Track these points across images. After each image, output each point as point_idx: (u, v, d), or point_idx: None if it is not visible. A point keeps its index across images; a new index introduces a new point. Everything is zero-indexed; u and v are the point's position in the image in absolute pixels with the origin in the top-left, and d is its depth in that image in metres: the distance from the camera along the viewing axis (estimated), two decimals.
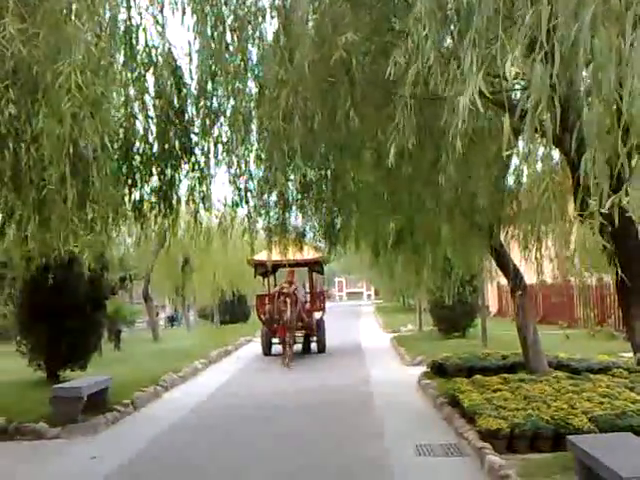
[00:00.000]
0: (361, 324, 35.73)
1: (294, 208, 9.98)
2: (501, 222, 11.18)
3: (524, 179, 9.14)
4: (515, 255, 12.11)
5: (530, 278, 12.37)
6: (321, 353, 21.01)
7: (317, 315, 22.23)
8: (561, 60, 4.07)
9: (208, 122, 7.10)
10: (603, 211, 3.94)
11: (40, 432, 10.06)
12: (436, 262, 12.13)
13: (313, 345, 21.64)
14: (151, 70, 7.03)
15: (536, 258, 9.67)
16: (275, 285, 22.21)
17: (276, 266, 19.45)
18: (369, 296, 76.74)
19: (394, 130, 5.27)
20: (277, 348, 20.29)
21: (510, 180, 10.97)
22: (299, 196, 9.28)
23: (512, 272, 12.11)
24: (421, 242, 10.98)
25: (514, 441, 8.05)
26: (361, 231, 10.83)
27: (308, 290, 23.37)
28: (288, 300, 18.54)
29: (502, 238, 12.00)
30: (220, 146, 7.28)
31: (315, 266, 22.31)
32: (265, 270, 20.45)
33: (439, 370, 13.90)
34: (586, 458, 5.60)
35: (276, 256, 12.38)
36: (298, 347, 20.83)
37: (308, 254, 15.91)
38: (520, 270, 11.99)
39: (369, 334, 28.68)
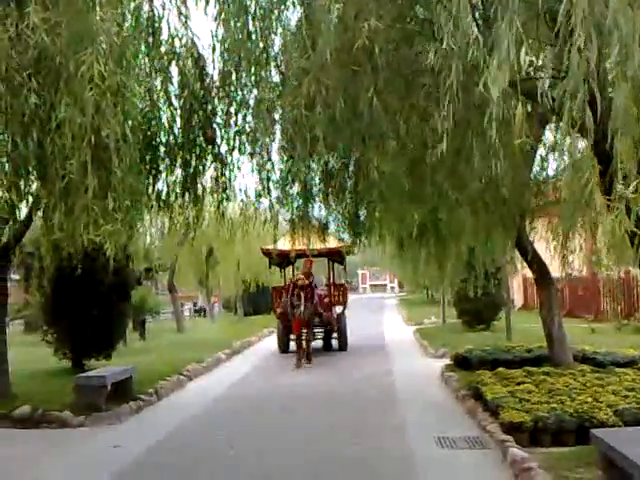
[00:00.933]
0: (384, 316, 35.69)
1: (317, 199, 9.95)
2: (526, 214, 11.06)
3: (550, 170, 9.08)
4: (541, 248, 12.00)
5: (556, 271, 12.26)
6: (342, 351, 19.45)
7: (338, 309, 20.71)
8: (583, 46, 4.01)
9: (231, 112, 7.09)
10: (631, 195, 3.87)
11: (65, 420, 10.15)
12: (460, 254, 12.05)
13: (334, 342, 20.11)
14: (174, 60, 7.04)
15: (562, 250, 9.55)
16: (293, 277, 19.87)
17: (294, 256, 17.29)
18: (392, 288, 76.59)
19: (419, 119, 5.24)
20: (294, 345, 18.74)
21: (535, 171, 10.90)
22: (322, 186, 9.24)
23: (537, 265, 11.98)
24: (445, 234, 10.90)
25: (537, 434, 7.96)
26: (385, 222, 10.76)
27: (327, 282, 22.26)
28: (302, 294, 16.86)
29: (527, 230, 11.91)
30: (243, 136, 7.28)
31: (336, 256, 20.37)
32: (281, 260, 19.16)
33: (462, 363, 13.82)
34: (610, 451, 5.52)
35: (293, 245, 11.75)
36: (318, 343, 19.46)
37: (328, 243, 14.66)
38: (545, 263, 11.86)
39: (392, 326, 28.63)
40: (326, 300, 19.83)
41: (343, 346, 19.61)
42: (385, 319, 33.66)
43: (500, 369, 11.44)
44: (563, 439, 7.84)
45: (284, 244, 13.38)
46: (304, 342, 16.93)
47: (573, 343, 13.46)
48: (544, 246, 11.61)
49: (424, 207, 9.42)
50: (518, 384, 9.95)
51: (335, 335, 19.86)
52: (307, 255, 15.06)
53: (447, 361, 15.06)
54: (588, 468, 6.45)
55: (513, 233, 11.14)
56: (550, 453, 7.38)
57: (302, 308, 16.64)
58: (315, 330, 18.50)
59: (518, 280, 29.66)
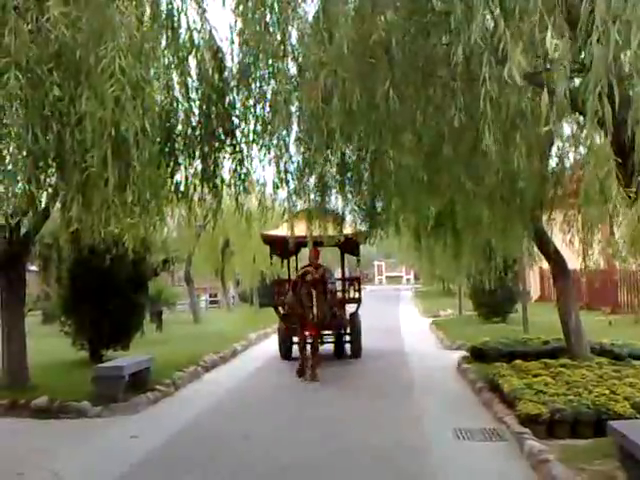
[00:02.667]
0: (400, 308, 35.69)
1: (334, 191, 9.97)
2: (543, 206, 11.02)
3: (567, 162, 9.03)
4: (558, 240, 11.95)
5: (573, 263, 12.20)
6: (355, 358, 16.09)
7: (350, 307, 17.01)
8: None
9: (249, 104, 7.13)
10: None
11: (83, 411, 10.26)
12: (476, 246, 12.02)
13: (346, 347, 16.76)
14: (193, 53, 7.08)
15: (580, 242, 9.51)
16: (297, 269, 16.83)
17: (299, 244, 14.46)
18: (408, 280, 76.41)
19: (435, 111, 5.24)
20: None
21: (553, 163, 10.85)
22: (338, 178, 9.26)
23: (554, 257, 11.94)
24: (462, 226, 10.88)
25: (554, 426, 7.97)
26: (401, 214, 10.75)
27: (335, 276, 17.87)
28: (314, 290, 13.34)
29: (544, 222, 11.86)
30: (261, 128, 7.31)
31: (348, 245, 16.05)
32: (284, 249, 15.88)
33: (479, 355, 13.81)
34: (627, 443, 5.52)
35: (298, 232, 10.57)
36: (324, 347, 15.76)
37: (340, 230, 12.54)
38: (562, 255, 11.82)
39: (408, 318, 28.62)
40: (338, 296, 16.55)
41: (356, 352, 16.21)
42: (401, 311, 33.64)
43: (517, 361, 11.43)
44: (580, 431, 7.85)
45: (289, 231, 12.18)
46: (311, 350, 13.77)
47: (591, 335, 13.40)
48: (561, 238, 11.56)
49: (440, 199, 9.41)
50: (535, 376, 9.93)
51: (347, 338, 16.53)
52: (319, 243, 12.38)
53: (463, 353, 15.06)
54: (605, 460, 6.46)
55: (530, 225, 11.11)
56: (567, 445, 7.38)
57: (315, 310, 13.25)
58: (324, 333, 15.46)
59: (535, 272, 29.49)
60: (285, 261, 17.81)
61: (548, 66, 5.05)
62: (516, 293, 21.08)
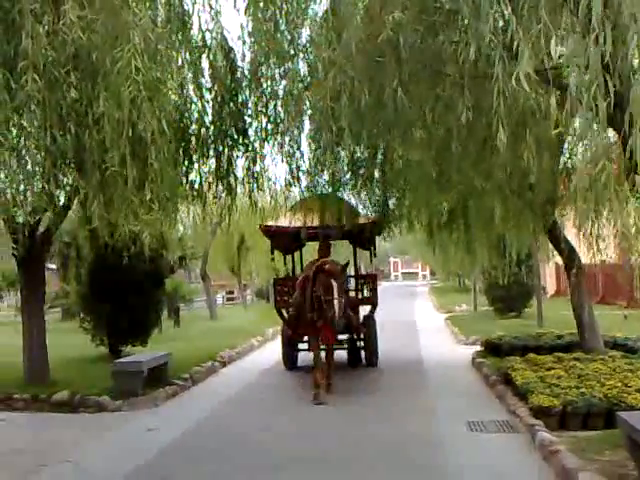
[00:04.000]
0: (415, 303, 35.76)
1: (346, 188, 10.04)
2: (555, 201, 11.06)
3: (578, 158, 9.05)
4: (571, 234, 11.96)
5: (588, 258, 12.20)
6: (371, 367, 13.82)
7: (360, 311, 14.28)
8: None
9: (261, 103, 7.26)
10: None
11: (102, 405, 10.45)
12: (490, 242, 12.07)
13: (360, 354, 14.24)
14: (205, 54, 7.22)
15: (591, 236, 9.53)
16: (302, 266, 14.62)
17: (303, 237, 12.92)
18: (424, 276, 76.40)
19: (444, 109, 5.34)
20: (305, 357, 13.51)
21: (564, 159, 10.88)
22: (350, 175, 9.33)
23: (567, 251, 11.97)
24: (474, 221, 10.94)
25: (566, 418, 8.04)
26: (414, 210, 10.83)
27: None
28: (334, 281, 10.46)
29: (557, 217, 11.89)
30: (272, 127, 7.44)
31: (362, 238, 13.67)
32: (287, 243, 14.06)
33: (493, 349, 13.90)
34: (634, 433, 5.60)
35: (305, 222, 9.99)
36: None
37: (352, 220, 11.35)
38: (575, 249, 11.84)
39: (423, 313, 28.69)
40: (352, 296, 14.04)
41: (370, 360, 13.90)
42: (416, 306, 33.71)
43: (530, 355, 11.50)
44: (592, 423, 7.91)
45: (292, 222, 10.87)
46: (327, 359, 11.51)
47: (606, 330, 13.44)
48: (574, 232, 11.58)
49: (451, 195, 9.49)
50: (548, 369, 10.01)
51: (361, 344, 14.12)
52: (329, 235, 11.12)
53: (478, 348, 15.14)
54: (615, 450, 6.53)
55: (543, 220, 11.15)
56: (578, 436, 7.45)
57: (337, 304, 10.43)
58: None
59: (551, 267, 29.44)
60: (288, 257, 15.45)
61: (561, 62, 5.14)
62: (531, 288, 21.10)
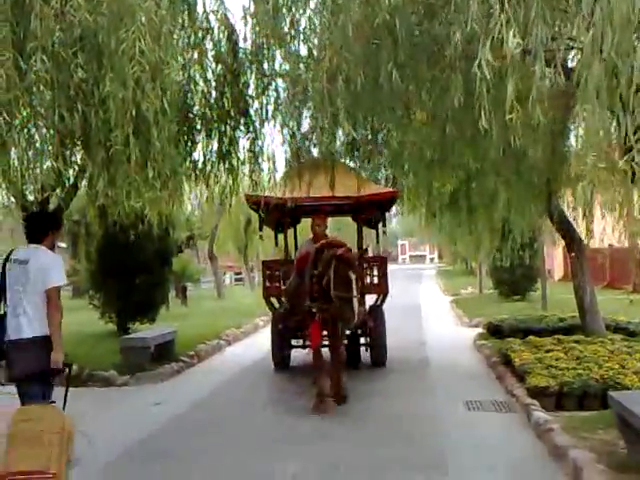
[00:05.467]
0: (422, 286, 35.90)
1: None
2: (558, 184, 11.11)
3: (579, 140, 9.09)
4: (577, 217, 12.00)
5: (594, 242, 12.26)
6: (378, 366, 11.57)
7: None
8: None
9: (263, 84, 7.36)
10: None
11: (110, 379, 10.71)
12: (493, 224, 12.14)
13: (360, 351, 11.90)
14: (209, 35, 7.31)
15: (586, 220, 9.61)
16: (296, 246, 12.71)
17: (300, 211, 11.15)
18: (432, 259, 76.44)
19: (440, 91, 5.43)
20: (297, 356, 11.81)
21: (568, 142, 10.92)
22: (349, 157, 9.34)
23: (569, 234, 12.04)
24: (476, 204, 11.01)
25: (563, 399, 8.17)
26: (415, 192, 10.86)
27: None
28: (352, 273, 8.12)
29: (560, 200, 11.94)
30: (273, 107, 7.54)
31: (372, 211, 11.50)
32: (281, 217, 11.53)
33: (495, 331, 14.02)
34: (624, 412, 5.73)
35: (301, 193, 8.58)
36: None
37: (359, 190, 9.65)
38: (577, 232, 11.91)
39: (429, 297, 28.82)
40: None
41: (377, 359, 11.63)
42: (422, 289, 33.86)
43: (531, 337, 11.62)
44: (588, 404, 8.02)
45: (284, 193, 9.06)
46: (334, 362, 9.01)
47: (610, 314, 13.55)
48: (578, 215, 11.64)
49: (450, 176, 9.57)
50: (547, 351, 10.12)
51: (366, 340, 11.76)
52: (328, 211, 9.84)
53: (481, 330, 15.27)
54: (607, 430, 6.67)
55: (544, 203, 11.21)
56: (573, 416, 7.58)
57: (357, 306, 8.06)
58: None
59: (558, 251, 29.48)
60: (280, 237, 13.03)
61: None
62: (536, 271, 21.18)
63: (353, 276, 8.03)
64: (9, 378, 5.82)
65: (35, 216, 6.43)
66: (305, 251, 9.33)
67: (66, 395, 5.70)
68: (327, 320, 8.45)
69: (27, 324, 5.61)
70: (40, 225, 5.90)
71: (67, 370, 5.72)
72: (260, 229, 12.64)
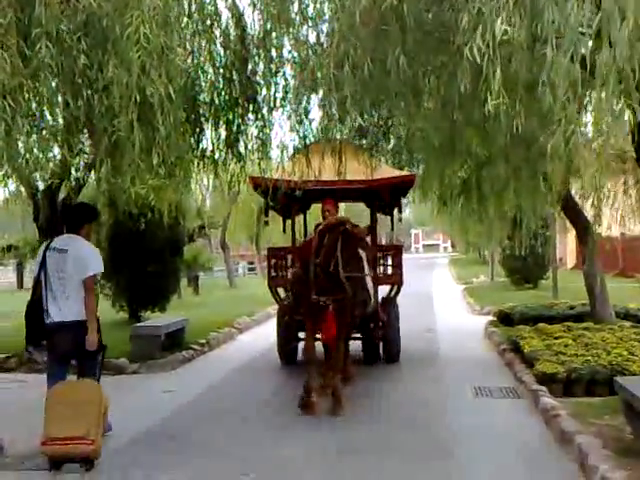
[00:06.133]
0: (434, 275, 35.89)
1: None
2: (570, 172, 11.02)
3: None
4: (587, 205, 11.93)
5: (606, 230, 12.22)
6: (391, 362, 10.81)
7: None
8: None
9: (271, 71, 7.33)
10: None
11: (121, 367, 10.75)
12: (503, 212, 12.08)
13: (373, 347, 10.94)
14: (217, 21, 7.29)
15: (597, 209, 9.54)
16: (305, 233, 12.33)
17: (309, 196, 9.77)
18: (445, 248, 76.23)
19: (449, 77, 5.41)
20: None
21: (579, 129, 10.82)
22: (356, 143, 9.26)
23: (579, 222, 11.99)
24: (487, 192, 10.94)
25: (571, 385, 8.17)
26: (427, 179, 10.79)
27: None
28: (363, 253, 7.37)
29: (571, 188, 11.87)
30: (281, 95, 7.51)
31: (388, 196, 10.72)
32: (288, 201, 9.77)
33: (505, 319, 14.03)
34: (630, 397, 5.73)
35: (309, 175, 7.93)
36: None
37: (373, 173, 9.13)
38: (589, 219, 11.84)
39: (441, 285, 28.81)
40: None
41: (393, 354, 10.87)
42: (435, 277, 33.85)
43: (540, 324, 11.60)
44: (596, 390, 8.02)
45: (291, 174, 8.16)
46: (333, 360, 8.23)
47: (621, 301, 13.49)
48: (590, 203, 11.57)
49: (460, 164, 9.52)
50: (556, 338, 10.14)
51: (379, 333, 10.78)
52: (340, 195, 9.34)
53: (491, 318, 15.27)
54: (614, 415, 6.67)
55: (556, 191, 11.13)
56: (581, 402, 7.59)
57: (371, 290, 7.41)
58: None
59: (571, 239, 29.38)
60: (288, 223, 11.91)
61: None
62: (547, 259, 21.12)
63: (363, 253, 7.29)
64: (54, 357, 6.44)
65: (73, 208, 7.13)
66: (309, 239, 8.77)
67: (100, 373, 6.53)
68: (342, 309, 7.62)
69: (69, 308, 6.21)
70: (78, 216, 6.59)
71: (102, 351, 6.44)
72: (266, 214, 11.89)
